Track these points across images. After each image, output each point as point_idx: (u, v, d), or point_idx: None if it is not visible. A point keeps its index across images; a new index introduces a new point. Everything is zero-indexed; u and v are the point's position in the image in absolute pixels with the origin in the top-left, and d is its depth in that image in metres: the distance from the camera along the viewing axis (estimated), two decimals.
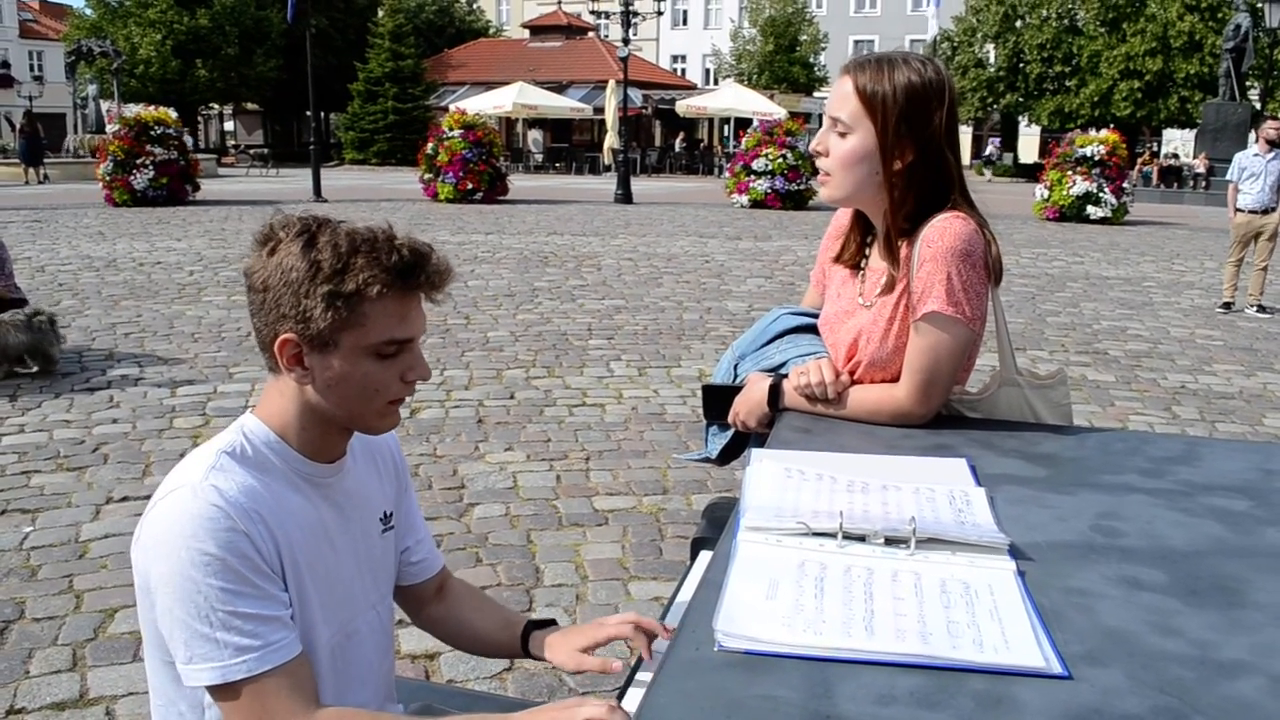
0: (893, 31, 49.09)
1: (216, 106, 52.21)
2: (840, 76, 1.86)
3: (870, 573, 1.18)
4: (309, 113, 25.95)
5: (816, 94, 46.40)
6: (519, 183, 25.57)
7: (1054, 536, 1.33)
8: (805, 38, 49.54)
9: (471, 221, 17.59)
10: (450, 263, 1.50)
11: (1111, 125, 28.48)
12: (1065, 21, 43.20)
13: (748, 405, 1.96)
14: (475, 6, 57.90)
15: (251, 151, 42.00)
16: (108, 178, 19.18)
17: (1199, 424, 6.52)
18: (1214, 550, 1.30)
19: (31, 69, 55.58)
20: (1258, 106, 32.19)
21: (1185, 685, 0.97)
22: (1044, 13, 43.14)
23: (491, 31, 58.23)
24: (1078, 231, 18.57)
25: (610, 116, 32.18)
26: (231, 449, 1.45)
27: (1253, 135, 12.46)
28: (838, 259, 2.02)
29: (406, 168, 34.22)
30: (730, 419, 2.03)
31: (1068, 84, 43.44)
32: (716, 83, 50.87)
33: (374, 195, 23.23)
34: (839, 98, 1.84)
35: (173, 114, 20.53)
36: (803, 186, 21.33)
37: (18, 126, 28.93)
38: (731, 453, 2.15)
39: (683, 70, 58.41)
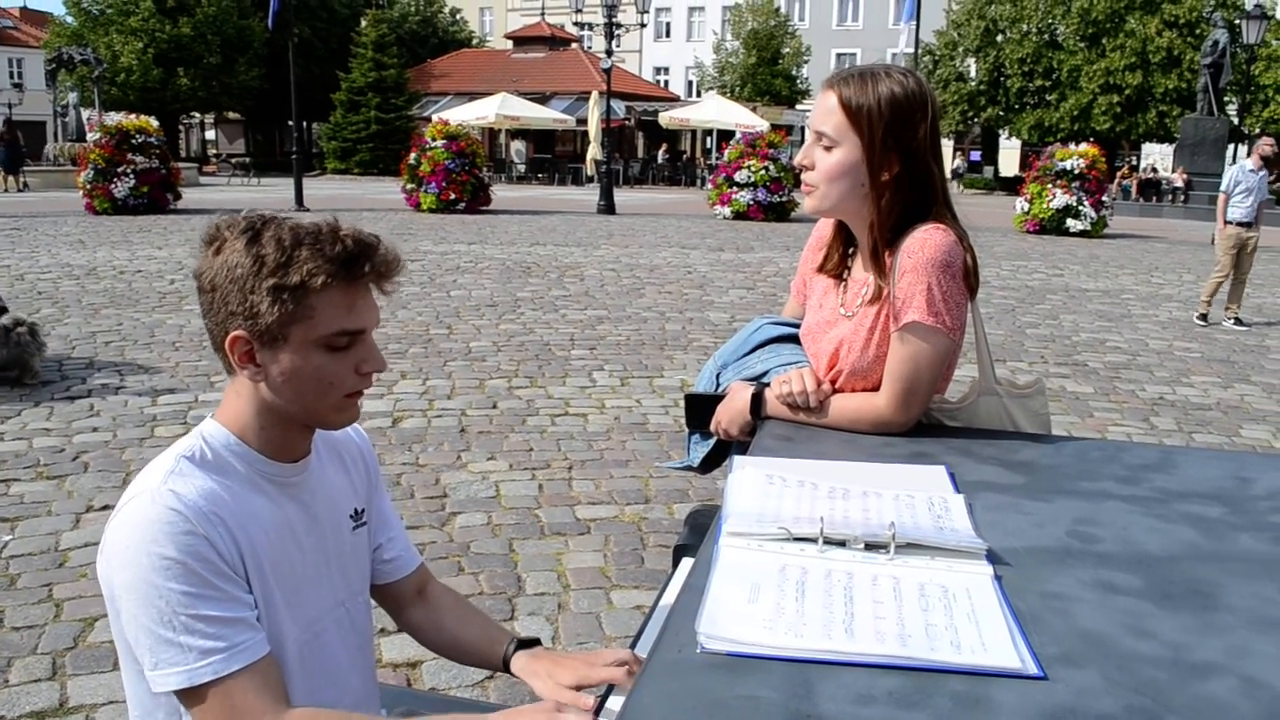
0: (875, 44, 49.31)
1: (198, 115, 52.12)
2: (823, 91, 1.87)
3: (850, 577, 1.20)
4: (291, 122, 25.90)
5: (799, 106, 46.59)
6: (502, 193, 25.56)
7: (1031, 542, 1.35)
8: (788, 50, 49.75)
9: (454, 232, 17.58)
10: (399, 253, 1.49)
11: (1091, 139, 28.76)
12: (1045, 36, 43.55)
13: (730, 414, 1.98)
14: (459, 17, 57.93)
15: (233, 160, 41.88)
16: (88, 186, 19.07)
17: (1176, 435, 6.57)
18: (1188, 555, 1.32)
19: (11, 76, 55.23)
20: (1235, 122, 32.53)
21: (1159, 686, 0.99)
22: (1024, 27, 43.47)
23: (475, 42, 58.28)
24: (1057, 244, 18.70)
25: (593, 128, 32.28)
26: (190, 453, 1.45)
27: (1244, 150, 12.63)
28: (821, 269, 2.03)
29: (389, 178, 34.19)
30: (713, 427, 2.04)
31: (1048, 98, 43.78)
32: (699, 95, 51.04)
33: (356, 205, 23.18)
34: (823, 112, 1.85)
35: (154, 122, 20.46)
36: (785, 198, 21.41)
37: None
38: (713, 461, 2.16)
39: (666, 82, 58.53)
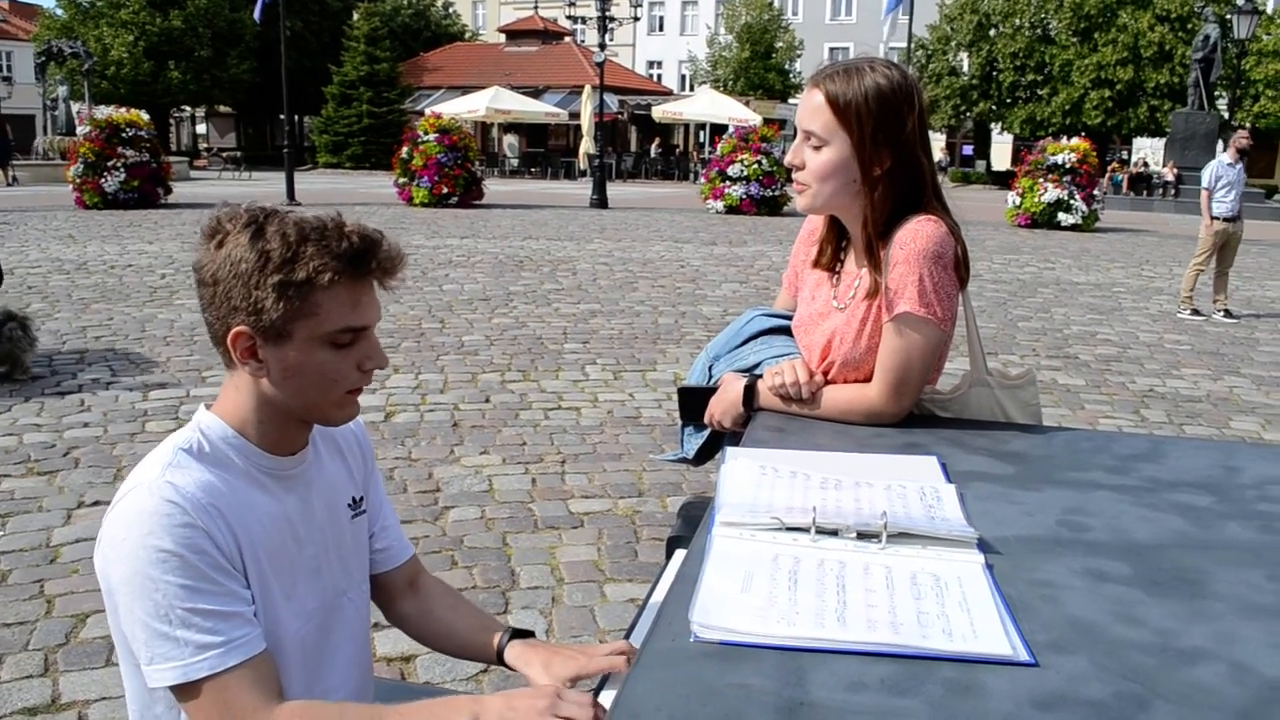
0: (868, 38, 49.18)
1: (189, 109, 51.85)
2: (809, 88, 1.86)
3: (843, 566, 1.21)
4: (283, 115, 25.80)
5: (792, 100, 46.57)
6: (494, 187, 25.54)
7: (1022, 531, 1.36)
8: (781, 44, 49.73)
9: (446, 226, 17.56)
10: (401, 249, 1.49)
11: (1083, 133, 28.76)
12: (1038, 31, 43.61)
13: (723, 405, 1.98)
14: (451, 10, 57.75)
15: (224, 154, 41.73)
16: (78, 180, 19.00)
17: (1167, 426, 6.60)
18: (1176, 543, 1.34)
19: (0, 70, 55.00)
20: (1226, 116, 32.59)
21: (1147, 672, 1.00)
22: (1017, 22, 43.52)
23: (467, 35, 58.10)
24: (1049, 238, 18.74)
25: (586, 122, 32.22)
26: (188, 445, 1.44)
27: (1220, 145, 12.66)
28: (815, 265, 2.04)
29: (381, 171, 34.13)
30: (706, 419, 2.04)
31: (1040, 92, 43.86)
32: (692, 89, 50.97)
33: (348, 199, 23.13)
34: (810, 110, 1.85)
35: (144, 116, 20.38)
36: (777, 192, 21.40)
37: None
38: (707, 453, 2.17)
39: (659, 76, 58.49)
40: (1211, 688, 0.98)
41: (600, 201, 22.82)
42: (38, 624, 3.59)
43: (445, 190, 21.24)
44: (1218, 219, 11.23)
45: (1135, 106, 42.00)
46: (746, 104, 39.04)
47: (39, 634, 3.52)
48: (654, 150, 43.12)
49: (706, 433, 2.11)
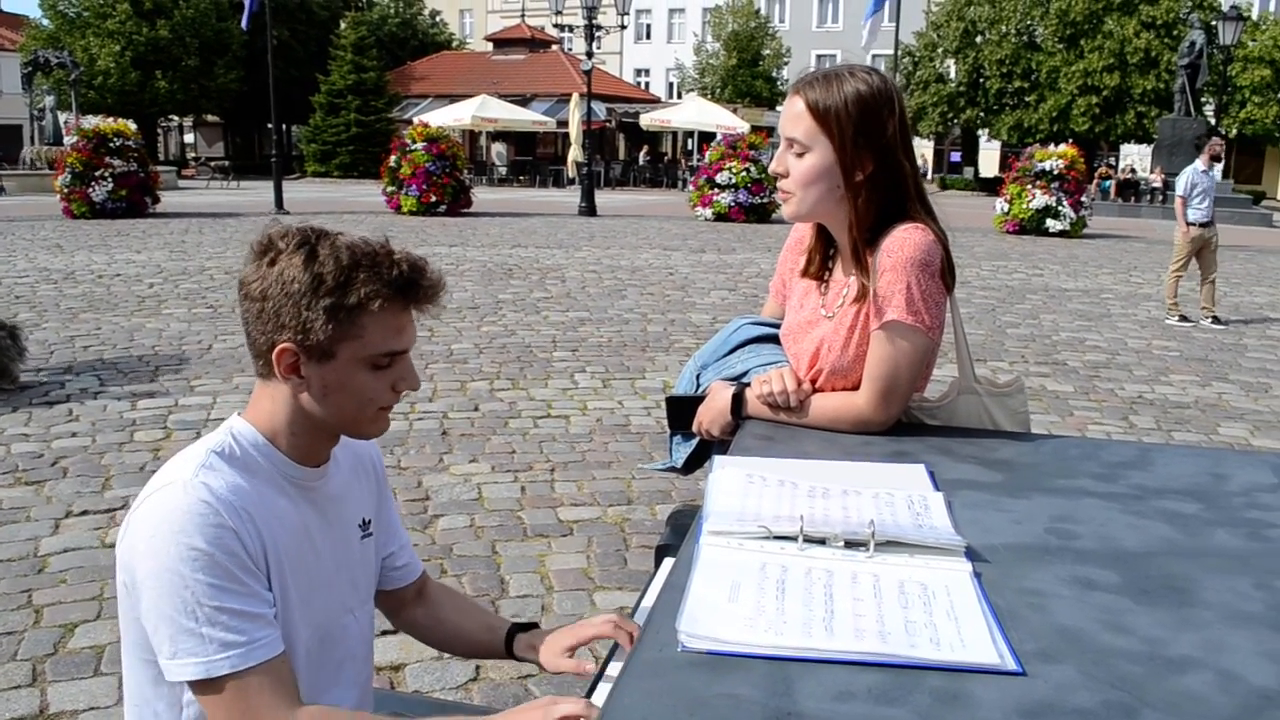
0: (855, 46, 49.36)
1: (176, 118, 51.76)
2: (789, 96, 1.87)
3: (830, 574, 1.20)
4: (270, 125, 25.78)
5: (779, 108, 46.60)
6: (482, 195, 25.53)
7: (1010, 539, 1.36)
8: (768, 52, 49.89)
9: (435, 234, 17.54)
10: (444, 276, 1.54)
11: (1070, 140, 28.90)
12: (1024, 38, 43.81)
13: (711, 414, 1.98)
14: (438, 19, 57.78)
15: (212, 163, 41.58)
16: (65, 190, 18.91)
17: (1155, 433, 6.62)
18: (1164, 551, 1.34)
19: None
20: (1212, 122, 32.77)
21: (1135, 680, 1.00)
22: (1003, 29, 43.71)
23: (455, 44, 58.12)
24: (1037, 244, 18.80)
25: (574, 130, 32.25)
26: (220, 449, 1.48)
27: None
28: (804, 273, 2.04)
29: (369, 180, 34.08)
30: (694, 428, 2.04)
31: (1027, 99, 44.04)
32: (680, 96, 51.11)
33: (336, 207, 23.09)
34: (791, 117, 1.86)
35: (132, 126, 20.33)
36: (766, 200, 21.43)
37: None
38: (695, 462, 2.16)
39: (646, 84, 58.57)
40: (1199, 696, 0.98)
41: (589, 209, 22.83)
42: (25, 634, 3.57)
43: (433, 199, 21.22)
44: (1193, 225, 11.30)
45: (1122, 113, 42.21)
46: (734, 111, 39.10)
47: (27, 644, 3.50)
48: (642, 158, 43.14)
49: (695, 441, 2.11)
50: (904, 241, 1.80)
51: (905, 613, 1.12)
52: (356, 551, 1.68)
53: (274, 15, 22.78)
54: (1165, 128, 31.11)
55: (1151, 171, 32.44)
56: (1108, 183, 35.30)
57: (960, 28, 44.07)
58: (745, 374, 2.03)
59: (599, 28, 25.25)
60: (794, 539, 1.28)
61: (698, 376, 2.13)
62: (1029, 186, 20.31)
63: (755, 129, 25.88)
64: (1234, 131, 42.02)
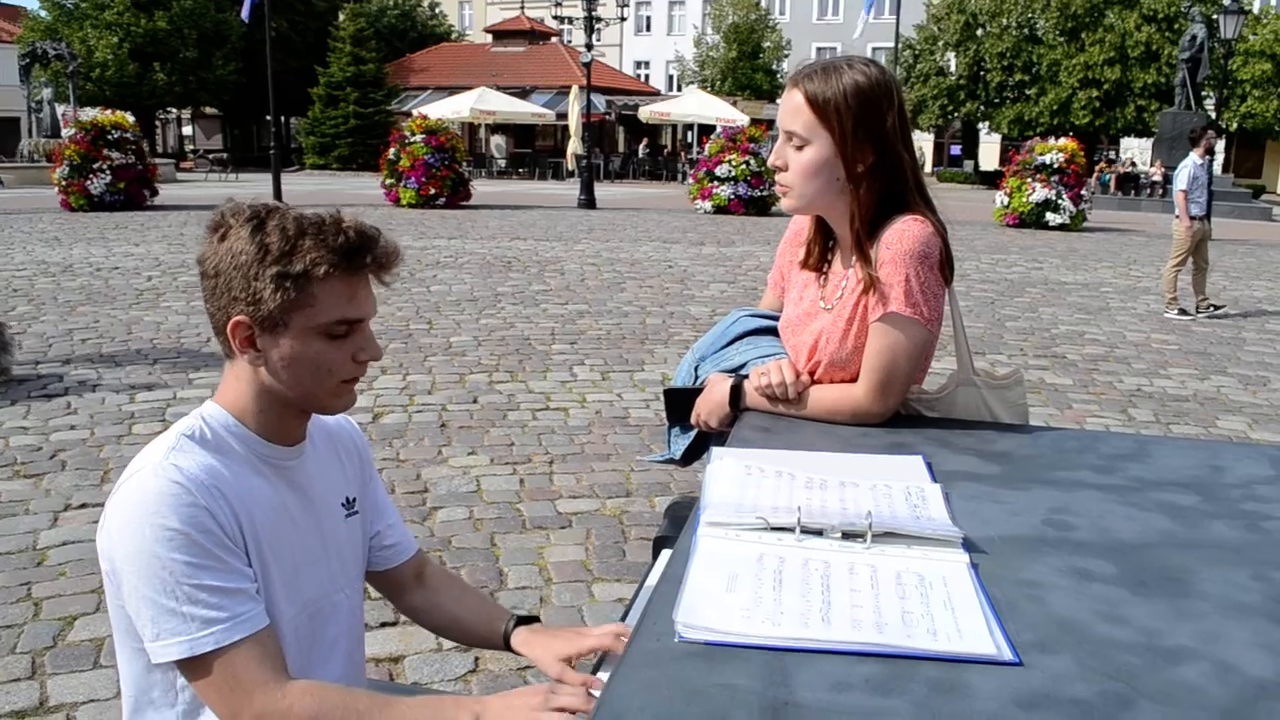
0: (854, 38, 49.40)
1: (174, 110, 51.59)
2: (788, 89, 1.87)
3: (827, 565, 1.21)
4: (269, 117, 25.74)
5: (779, 100, 46.55)
6: (482, 188, 25.50)
7: (1007, 530, 1.36)
8: (768, 44, 49.79)
9: (434, 227, 17.53)
10: (398, 245, 1.55)
11: (1070, 133, 28.85)
12: (1025, 31, 43.71)
13: (709, 406, 1.98)
14: (438, 11, 57.64)
15: (210, 156, 41.54)
16: (63, 182, 18.91)
17: (1154, 426, 6.62)
18: (1162, 543, 1.34)
19: None
20: (1213, 116, 32.71)
21: (1132, 671, 1.00)
22: (1004, 22, 43.62)
23: (454, 36, 57.98)
24: (1037, 238, 18.79)
25: (573, 122, 32.24)
26: (191, 432, 1.49)
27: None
28: (803, 265, 2.03)
29: (368, 173, 34.04)
30: (692, 420, 2.04)
31: (1027, 92, 43.97)
32: (680, 89, 51.01)
33: (335, 200, 22.94)
34: (790, 110, 1.85)
35: (130, 118, 20.31)
36: (765, 192, 21.41)
37: None
38: (694, 454, 2.16)
39: (646, 76, 58.47)
40: (1196, 687, 0.98)
41: (588, 202, 22.82)
42: (25, 627, 3.58)
43: (433, 191, 21.22)
44: (1195, 219, 11.28)
45: (1123, 106, 42.14)
46: (734, 104, 39.08)
47: (26, 637, 3.51)
48: (641, 150, 43.11)
49: (693, 433, 2.11)
50: (903, 234, 1.80)
51: (902, 603, 1.12)
52: (342, 531, 1.68)
53: (273, 7, 22.72)
54: (1166, 122, 31.04)
55: (1151, 165, 32.42)
56: (1108, 176, 35.28)
57: (961, 20, 43.97)
58: (744, 366, 2.03)
59: (599, 20, 25.24)
60: (791, 530, 1.28)
61: (696, 368, 2.13)
62: (1029, 180, 20.30)
63: (755, 122, 25.93)
64: (1234, 125, 42.00)
